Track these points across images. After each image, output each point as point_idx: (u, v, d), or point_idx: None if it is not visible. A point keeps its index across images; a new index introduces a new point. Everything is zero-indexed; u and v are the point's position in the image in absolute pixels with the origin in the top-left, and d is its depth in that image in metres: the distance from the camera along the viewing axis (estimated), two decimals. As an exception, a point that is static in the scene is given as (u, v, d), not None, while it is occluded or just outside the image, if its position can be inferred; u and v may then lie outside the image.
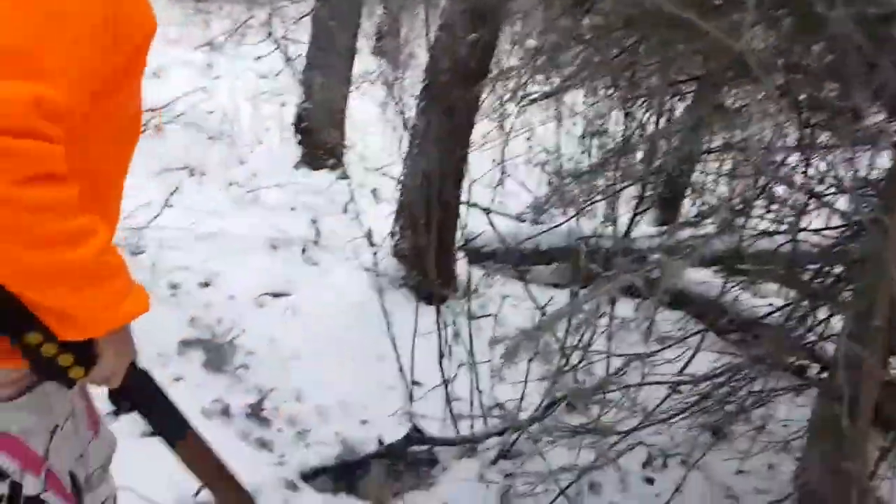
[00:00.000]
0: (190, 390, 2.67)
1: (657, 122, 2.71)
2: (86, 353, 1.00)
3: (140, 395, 1.10)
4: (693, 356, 2.86)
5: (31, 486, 1.00)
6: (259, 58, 6.71)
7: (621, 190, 3.65)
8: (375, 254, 2.72)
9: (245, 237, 3.72)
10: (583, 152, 4.26)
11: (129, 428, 2.50)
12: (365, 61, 5.76)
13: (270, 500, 2.27)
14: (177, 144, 4.79)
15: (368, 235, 2.59)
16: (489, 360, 2.54)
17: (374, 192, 3.15)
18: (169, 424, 1.15)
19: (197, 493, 2.25)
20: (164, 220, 3.65)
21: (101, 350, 1.02)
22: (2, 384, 0.98)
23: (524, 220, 4.36)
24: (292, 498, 2.31)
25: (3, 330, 0.94)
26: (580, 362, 2.84)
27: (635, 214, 3.14)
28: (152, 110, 5.04)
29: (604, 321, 2.78)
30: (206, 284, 3.38)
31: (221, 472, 1.21)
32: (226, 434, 2.58)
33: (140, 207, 3.76)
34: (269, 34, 4.77)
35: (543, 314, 2.93)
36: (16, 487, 0.98)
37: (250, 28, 6.90)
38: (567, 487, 1.84)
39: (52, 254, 0.86)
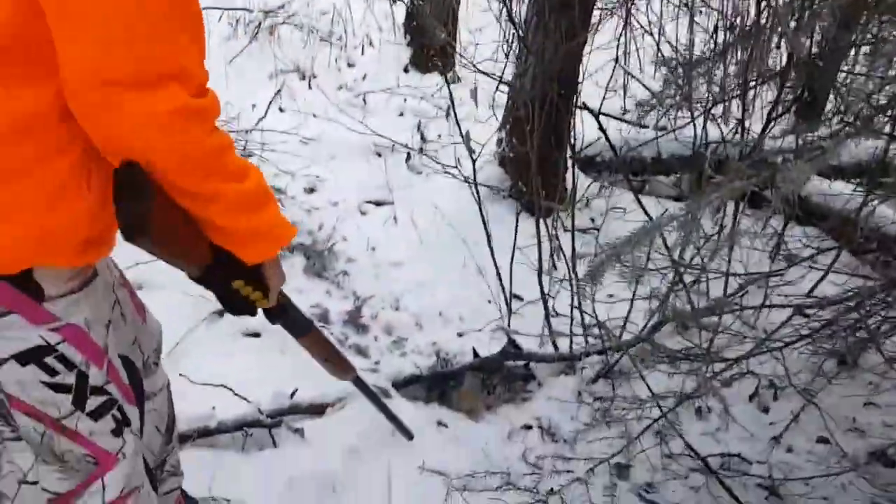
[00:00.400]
0: (290, 295, 2.69)
1: (797, 10, 2.36)
2: (263, 284, 1.19)
3: (281, 308, 1.35)
4: (823, 277, 2.59)
5: (97, 377, 1.02)
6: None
7: (754, 88, 3.29)
8: (475, 162, 2.58)
9: (350, 142, 3.67)
10: (714, 49, 3.85)
11: (228, 328, 2.59)
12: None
13: (362, 405, 2.27)
14: (289, 46, 4.75)
15: (466, 142, 2.44)
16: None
17: (474, 93, 2.96)
18: (300, 324, 1.46)
19: (293, 393, 2.29)
20: (272, 124, 3.66)
21: (269, 276, 1.18)
22: (67, 279, 0.99)
23: (645, 126, 4.06)
24: (385, 404, 2.30)
25: (218, 281, 1.15)
26: (694, 281, 2.64)
27: (769, 119, 2.80)
28: (266, 12, 5.02)
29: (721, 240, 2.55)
30: (311, 190, 3.37)
31: (331, 350, 1.58)
32: (323, 339, 2.60)
33: (248, 110, 3.80)
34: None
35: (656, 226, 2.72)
36: (82, 377, 1.00)
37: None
38: (663, 416, 1.71)
39: (245, 182, 1.01)
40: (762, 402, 1.86)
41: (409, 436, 2.02)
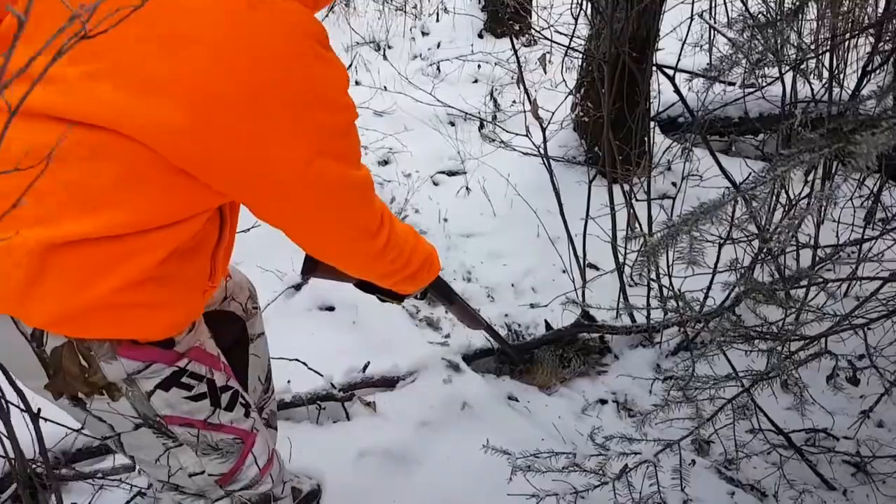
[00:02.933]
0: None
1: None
2: (399, 296, 1.56)
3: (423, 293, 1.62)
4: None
5: (220, 379, 1.23)
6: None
7: (848, 40, 3.06)
8: (545, 130, 2.50)
9: (424, 113, 3.65)
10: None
11: (303, 302, 2.64)
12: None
13: (433, 379, 2.29)
14: (365, 18, 4.76)
15: (534, 110, 2.37)
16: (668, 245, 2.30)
17: (543, 59, 2.85)
18: (445, 297, 1.74)
19: (365, 367, 2.33)
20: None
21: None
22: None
23: (732, 84, 3.85)
24: (455, 377, 2.31)
25: (362, 291, 1.54)
26: (781, 251, 2.50)
27: (864, 74, 2.60)
28: (342, -16, 5.04)
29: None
30: (384, 163, 3.38)
31: (467, 312, 1.87)
32: (394, 311, 2.62)
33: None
34: None
35: (737, 191, 2.59)
36: (211, 383, 1.20)
37: None
38: (737, 396, 1.63)
39: (409, 268, 1.35)
40: (835, 388, 1.75)
41: (524, 360, 2.38)
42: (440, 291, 1.67)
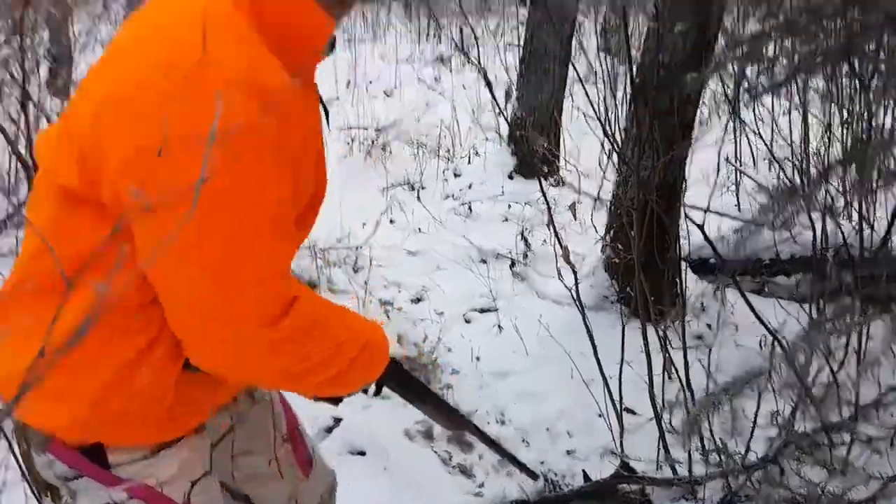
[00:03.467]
0: (393, 410, 2.68)
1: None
2: (334, 399, 1.22)
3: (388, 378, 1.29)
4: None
5: None
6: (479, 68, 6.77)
7: (877, 188, 3.10)
8: (575, 273, 2.53)
9: (456, 251, 3.72)
10: (829, 147, 3.70)
11: (334, 446, 2.60)
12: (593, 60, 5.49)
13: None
14: (400, 161, 4.96)
15: (566, 256, 2.41)
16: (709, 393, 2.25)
17: (573, 207, 2.94)
18: (411, 393, 1.39)
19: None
20: (382, 237, 3.77)
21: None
22: (133, 449, 1.03)
23: (761, 225, 3.89)
24: (490, 531, 2.22)
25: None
26: (822, 399, 2.43)
27: (895, 216, 2.63)
28: (379, 130, 5.29)
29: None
30: (417, 300, 3.42)
31: (444, 412, 1.50)
32: (427, 457, 2.57)
33: (360, 227, 3.94)
34: (469, 59, 4.73)
35: (776, 340, 2.56)
36: None
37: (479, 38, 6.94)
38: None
39: (334, 364, 1.07)
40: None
41: (534, 476, 2.04)
42: (401, 387, 1.34)
